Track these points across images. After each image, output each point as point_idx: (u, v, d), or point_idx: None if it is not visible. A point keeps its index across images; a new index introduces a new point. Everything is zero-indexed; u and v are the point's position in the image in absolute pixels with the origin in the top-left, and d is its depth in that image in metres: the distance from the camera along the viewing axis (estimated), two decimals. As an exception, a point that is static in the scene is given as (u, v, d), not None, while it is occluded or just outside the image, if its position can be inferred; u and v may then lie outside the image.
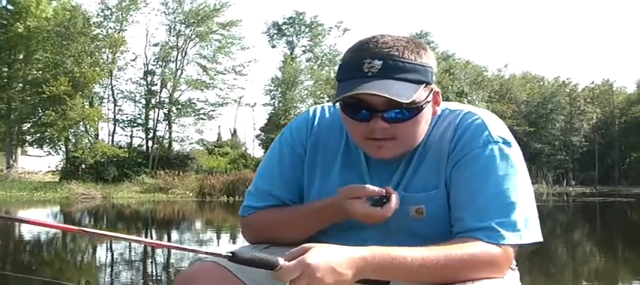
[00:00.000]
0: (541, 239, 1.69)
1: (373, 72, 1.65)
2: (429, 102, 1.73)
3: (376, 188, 1.73)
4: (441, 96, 1.81)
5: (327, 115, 1.97)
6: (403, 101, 1.61)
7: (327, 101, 2.35)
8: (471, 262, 1.61)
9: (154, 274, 8.70)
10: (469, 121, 1.77)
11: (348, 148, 1.90)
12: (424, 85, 1.69)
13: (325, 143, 1.93)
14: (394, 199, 1.72)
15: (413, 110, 1.68)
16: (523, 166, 1.74)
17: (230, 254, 1.55)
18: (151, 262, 9.81)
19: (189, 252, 1.89)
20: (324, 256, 1.51)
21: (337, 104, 1.80)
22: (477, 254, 1.61)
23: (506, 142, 1.73)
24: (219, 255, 1.58)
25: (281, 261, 1.51)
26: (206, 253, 1.69)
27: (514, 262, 1.83)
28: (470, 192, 1.69)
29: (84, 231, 1.64)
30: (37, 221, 1.65)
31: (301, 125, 1.97)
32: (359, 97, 1.65)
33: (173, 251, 10.94)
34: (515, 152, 1.74)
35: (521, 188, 1.69)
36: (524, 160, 1.77)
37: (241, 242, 2.16)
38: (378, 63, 1.65)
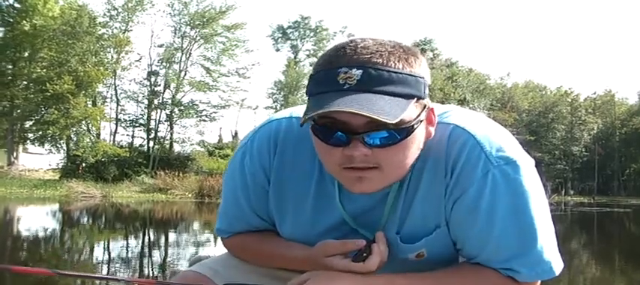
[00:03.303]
0: (562, 266, 1.52)
1: (350, 84, 1.31)
2: (421, 121, 1.39)
3: (354, 242, 1.50)
4: (435, 115, 1.47)
5: (296, 129, 1.62)
6: (389, 121, 1.26)
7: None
8: None
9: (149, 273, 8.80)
10: (461, 144, 1.46)
11: (322, 178, 1.59)
12: (415, 100, 1.35)
13: (293, 172, 1.62)
14: (376, 249, 1.48)
15: (401, 132, 1.35)
16: (533, 182, 1.46)
17: None
18: (148, 262, 9.93)
19: None
20: None
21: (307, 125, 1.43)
22: None
23: (508, 162, 1.43)
24: None
25: None
26: None
27: None
28: (479, 237, 1.47)
29: (60, 273, 1.59)
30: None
31: (263, 146, 1.63)
32: (332, 116, 1.32)
33: (169, 251, 11.10)
34: (521, 168, 1.45)
35: (535, 212, 1.44)
36: (534, 171, 1.49)
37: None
38: (356, 72, 1.32)
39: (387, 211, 1.54)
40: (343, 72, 1.32)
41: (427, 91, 1.40)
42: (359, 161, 1.35)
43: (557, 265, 1.49)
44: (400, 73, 1.33)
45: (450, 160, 1.46)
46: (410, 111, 1.33)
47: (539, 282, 1.52)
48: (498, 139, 1.47)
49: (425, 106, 1.40)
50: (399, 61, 1.34)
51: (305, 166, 1.60)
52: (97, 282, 7.73)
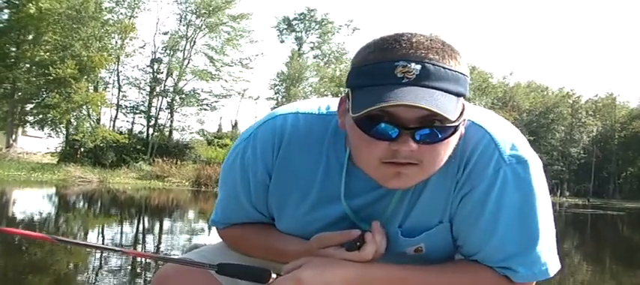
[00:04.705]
0: (559, 267, 1.53)
1: (409, 78, 1.29)
2: (464, 120, 1.41)
3: (348, 232, 1.51)
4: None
5: (302, 125, 1.59)
6: (450, 117, 1.29)
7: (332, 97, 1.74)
8: None
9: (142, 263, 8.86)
10: (477, 140, 1.46)
11: (327, 173, 1.57)
12: (462, 98, 1.38)
13: (297, 168, 1.59)
14: (369, 238, 1.49)
15: (448, 130, 1.34)
16: (541, 182, 1.48)
17: (216, 267, 1.49)
18: (142, 249, 9.99)
19: (172, 263, 1.78)
20: (319, 272, 1.43)
21: (349, 117, 1.39)
22: None
23: (520, 161, 1.45)
24: (205, 266, 1.52)
25: (273, 274, 1.46)
26: (191, 264, 1.59)
27: None
28: (483, 233, 1.47)
29: (59, 240, 1.63)
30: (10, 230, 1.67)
31: (266, 143, 1.60)
32: (385, 109, 1.30)
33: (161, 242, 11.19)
34: (532, 169, 1.46)
35: (540, 213, 1.47)
36: (542, 173, 1.51)
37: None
38: (415, 67, 1.30)
39: (393, 204, 1.53)
40: (402, 65, 1.31)
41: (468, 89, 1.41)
42: (403, 157, 1.34)
43: (554, 267, 1.52)
44: (453, 70, 1.33)
45: (464, 156, 1.47)
46: (459, 109, 1.35)
47: (534, 283, 1.54)
48: (512, 137, 1.48)
49: (463, 106, 1.39)
50: (451, 59, 1.34)
51: (310, 163, 1.58)
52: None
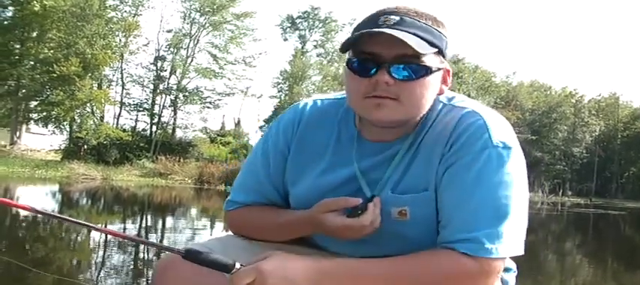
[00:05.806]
0: (522, 252, 1.58)
1: (388, 24, 1.56)
2: (440, 69, 1.63)
3: (350, 199, 1.64)
4: (450, 77, 1.70)
5: (319, 107, 1.87)
6: (416, 48, 1.50)
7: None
8: (444, 277, 1.53)
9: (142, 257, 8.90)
10: (470, 122, 1.60)
11: (339, 142, 1.78)
12: (437, 50, 1.59)
13: (313, 140, 1.81)
14: (371, 207, 1.62)
15: (422, 70, 1.56)
16: (521, 173, 1.59)
17: (183, 252, 1.53)
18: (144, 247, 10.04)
19: (148, 246, 1.86)
20: (280, 264, 1.48)
21: (344, 67, 1.67)
22: (451, 269, 1.53)
23: (506, 147, 1.57)
24: (172, 250, 1.58)
25: (237, 265, 1.48)
26: (162, 248, 1.70)
27: (513, 268, 1.84)
28: (458, 200, 1.56)
29: (38, 211, 1.72)
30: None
31: (288, 122, 1.85)
32: (367, 50, 1.56)
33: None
34: (515, 158, 1.58)
35: (514, 198, 1.55)
36: (524, 167, 1.63)
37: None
38: (394, 17, 1.57)
39: (390, 170, 1.68)
40: (383, 17, 1.59)
41: (447, 52, 1.64)
42: (381, 90, 1.56)
43: (516, 250, 1.56)
44: (430, 26, 1.60)
45: (454, 133, 1.61)
46: (432, 57, 1.58)
47: (500, 267, 1.57)
48: (504, 128, 1.62)
49: (443, 63, 1.64)
50: (429, 19, 1.61)
51: (324, 136, 1.80)
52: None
